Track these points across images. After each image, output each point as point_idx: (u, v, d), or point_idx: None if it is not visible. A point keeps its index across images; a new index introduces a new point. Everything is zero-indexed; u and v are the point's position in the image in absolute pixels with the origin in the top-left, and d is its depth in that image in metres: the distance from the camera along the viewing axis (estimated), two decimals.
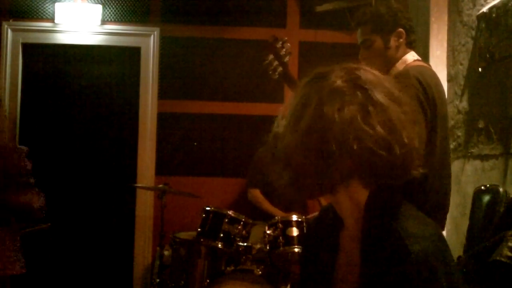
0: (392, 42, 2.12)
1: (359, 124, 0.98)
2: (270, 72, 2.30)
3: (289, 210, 3.48)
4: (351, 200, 1.07)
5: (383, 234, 1.00)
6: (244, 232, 3.03)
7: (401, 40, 2.13)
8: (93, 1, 4.34)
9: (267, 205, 3.95)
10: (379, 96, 1.00)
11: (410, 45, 2.17)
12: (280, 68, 2.30)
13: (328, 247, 1.15)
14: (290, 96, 1.10)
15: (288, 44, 2.29)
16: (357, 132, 0.98)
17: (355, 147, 0.97)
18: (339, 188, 1.05)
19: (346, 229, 1.13)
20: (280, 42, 2.29)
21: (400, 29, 2.12)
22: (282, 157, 1.05)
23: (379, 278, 0.98)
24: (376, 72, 1.06)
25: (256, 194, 4.03)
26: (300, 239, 2.96)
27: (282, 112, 1.10)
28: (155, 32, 4.40)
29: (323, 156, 0.99)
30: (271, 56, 2.28)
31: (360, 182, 1.04)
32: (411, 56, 2.14)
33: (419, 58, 2.18)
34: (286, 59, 2.29)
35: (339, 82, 1.02)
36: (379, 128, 0.98)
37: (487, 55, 2.34)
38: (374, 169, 1.00)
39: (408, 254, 0.95)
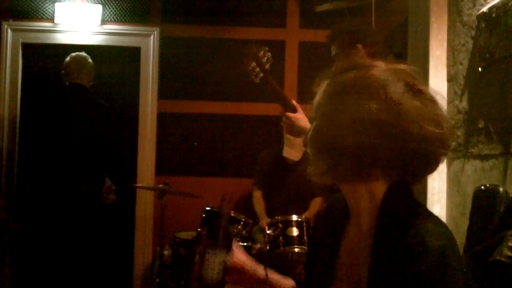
0: (353, 55, 2.44)
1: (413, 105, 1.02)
2: (253, 77, 2.43)
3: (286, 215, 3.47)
4: (369, 192, 1.08)
5: (400, 230, 1.01)
6: (244, 232, 3.04)
7: (361, 54, 2.46)
8: (93, 1, 4.34)
9: (259, 209, 3.93)
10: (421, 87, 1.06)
11: (373, 56, 2.42)
12: (262, 74, 2.41)
13: (331, 244, 1.14)
14: (323, 85, 1.11)
15: (269, 53, 2.45)
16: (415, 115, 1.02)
17: (412, 128, 1.01)
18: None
19: (354, 224, 1.12)
20: (262, 51, 2.42)
21: (358, 45, 2.47)
22: (323, 141, 1.06)
23: (392, 275, 0.97)
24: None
25: (256, 195, 4.04)
26: (300, 239, 2.97)
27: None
28: (155, 32, 4.40)
29: (383, 137, 1.01)
30: (253, 63, 2.41)
31: (382, 174, 1.06)
32: None
33: None
34: (267, 66, 2.42)
35: (384, 73, 1.05)
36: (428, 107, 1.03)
37: (487, 55, 2.34)
38: (412, 156, 1.03)
39: (427, 251, 0.95)
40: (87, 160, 3.85)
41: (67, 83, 3.85)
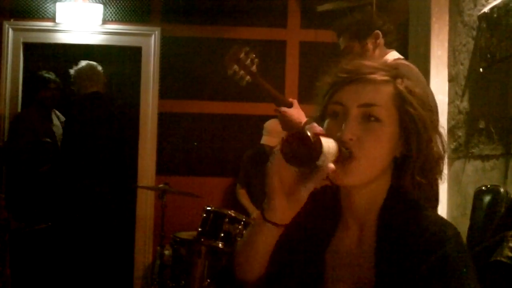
0: (370, 44, 2.24)
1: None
2: (237, 80, 2.32)
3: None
4: (375, 191, 1.06)
5: (409, 224, 1.01)
6: (244, 232, 3.03)
7: (378, 41, 2.25)
8: (94, 1, 4.35)
9: (247, 203, 4.05)
10: None
11: (390, 45, 2.28)
12: (248, 77, 2.31)
13: (316, 245, 1.08)
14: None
15: (253, 54, 2.31)
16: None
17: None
18: None
19: (347, 225, 1.09)
20: (243, 53, 2.30)
21: (376, 31, 2.25)
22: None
23: (409, 267, 0.97)
24: None
25: (240, 192, 4.13)
26: None
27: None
28: (156, 32, 4.40)
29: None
30: (235, 66, 2.29)
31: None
32: (391, 56, 2.23)
33: (400, 57, 2.24)
34: (253, 68, 2.31)
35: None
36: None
37: (488, 55, 2.34)
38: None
39: (448, 237, 0.97)
40: (110, 164, 3.94)
41: (86, 93, 3.97)
